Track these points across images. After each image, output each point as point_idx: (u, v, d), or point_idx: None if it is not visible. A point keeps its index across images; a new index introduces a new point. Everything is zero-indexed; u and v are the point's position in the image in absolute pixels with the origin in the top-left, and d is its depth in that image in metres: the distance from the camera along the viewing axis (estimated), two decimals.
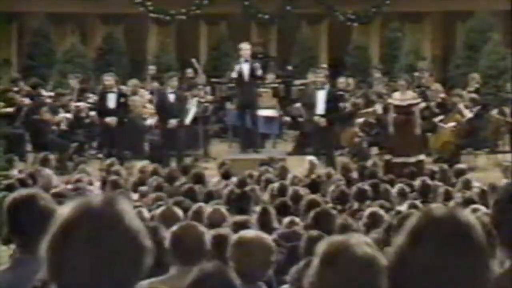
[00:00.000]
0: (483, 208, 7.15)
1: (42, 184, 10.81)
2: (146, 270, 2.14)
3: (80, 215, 2.10)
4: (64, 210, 2.14)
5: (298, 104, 18.89)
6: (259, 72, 16.66)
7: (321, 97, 16.21)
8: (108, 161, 14.05)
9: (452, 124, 17.21)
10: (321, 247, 2.41)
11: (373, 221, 7.58)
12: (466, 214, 2.21)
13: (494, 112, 17.81)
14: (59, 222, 2.13)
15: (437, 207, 2.19)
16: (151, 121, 17.18)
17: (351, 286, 2.37)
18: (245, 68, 16.34)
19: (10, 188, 9.40)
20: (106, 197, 2.14)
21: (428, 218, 2.16)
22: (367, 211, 8.16)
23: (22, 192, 4.27)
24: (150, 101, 18.23)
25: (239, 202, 8.46)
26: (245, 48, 16.57)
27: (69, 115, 17.69)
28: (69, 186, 10.95)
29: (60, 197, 9.47)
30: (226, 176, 12.34)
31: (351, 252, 2.37)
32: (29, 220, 4.01)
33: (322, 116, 16.04)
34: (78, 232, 2.08)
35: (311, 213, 7.42)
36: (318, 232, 6.04)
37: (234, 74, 16.67)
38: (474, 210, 6.99)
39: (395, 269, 2.13)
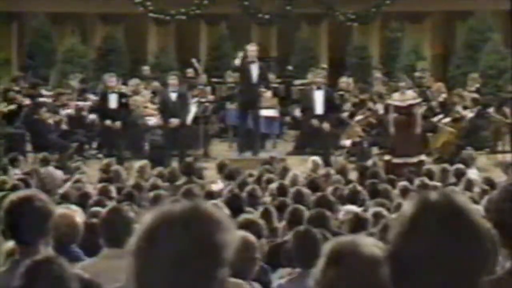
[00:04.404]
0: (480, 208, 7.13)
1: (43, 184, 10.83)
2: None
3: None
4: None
5: (297, 111, 18.93)
6: (269, 76, 16.69)
7: (319, 97, 16.21)
8: (106, 160, 14.04)
9: (451, 122, 17.23)
10: (327, 246, 2.41)
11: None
12: (462, 197, 2.19)
13: (494, 112, 17.81)
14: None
15: (432, 193, 2.16)
16: (154, 121, 17.18)
17: (358, 286, 2.36)
18: (253, 69, 16.22)
19: (13, 188, 9.39)
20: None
21: (423, 203, 2.13)
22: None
23: (20, 193, 4.28)
24: (151, 101, 18.23)
25: (233, 203, 8.43)
26: (252, 49, 16.38)
27: (70, 111, 17.68)
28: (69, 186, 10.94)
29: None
30: (228, 177, 12.32)
31: (358, 252, 2.36)
32: (27, 222, 4.03)
33: (320, 116, 16.05)
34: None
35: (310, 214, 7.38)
36: (307, 226, 6.03)
37: (237, 61, 16.29)
38: None
39: (394, 258, 2.11)
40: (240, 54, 16.26)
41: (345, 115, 17.94)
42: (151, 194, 9.81)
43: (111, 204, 7.10)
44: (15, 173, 12.79)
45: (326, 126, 16.02)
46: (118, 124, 16.51)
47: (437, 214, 2.09)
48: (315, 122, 15.96)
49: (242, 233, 4.94)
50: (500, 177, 12.69)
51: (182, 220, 2.09)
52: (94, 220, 6.15)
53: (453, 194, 2.14)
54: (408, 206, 2.14)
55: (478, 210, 2.18)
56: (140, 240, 2.09)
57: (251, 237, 4.94)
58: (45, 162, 13.53)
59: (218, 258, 2.08)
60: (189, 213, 2.10)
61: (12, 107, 17.39)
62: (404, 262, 2.07)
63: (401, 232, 2.10)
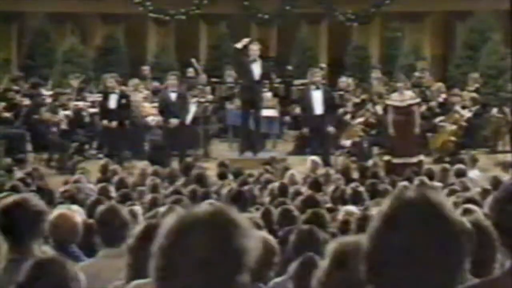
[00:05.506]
0: (478, 210, 7.06)
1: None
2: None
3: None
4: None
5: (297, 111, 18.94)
6: (272, 74, 16.68)
7: (317, 97, 16.22)
8: (102, 161, 14.03)
9: (450, 122, 17.23)
10: (331, 247, 2.41)
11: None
12: (438, 195, 2.19)
13: (494, 111, 17.81)
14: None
15: (409, 190, 2.17)
16: (153, 120, 17.16)
17: (361, 286, 2.36)
18: (255, 67, 16.18)
19: (12, 188, 9.39)
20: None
21: (399, 200, 2.13)
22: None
23: (14, 197, 4.49)
24: (149, 100, 18.23)
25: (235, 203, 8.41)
26: (254, 48, 16.30)
27: (69, 112, 17.67)
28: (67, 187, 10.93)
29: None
30: (223, 176, 12.34)
31: (362, 253, 2.35)
32: (20, 223, 4.20)
33: (320, 116, 16.06)
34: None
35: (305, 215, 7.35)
36: (310, 226, 6.01)
37: (239, 45, 16.15)
38: (468, 211, 6.86)
39: (372, 254, 2.11)
40: (245, 39, 16.17)
41: (345, 115, 17.94)
42: (150, 194, 9.81)
43: (108, 203, 7.10)
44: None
45: (331, 129, 16.11)
46: (117, 124, 16.51)
47: (412, 210, 2.10)
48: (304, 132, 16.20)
49: (264, 235, 4.89)
50: (500, 177, 12.66)
51: (205, 224, 2.10)
52: (92, 220, 6.15)
53: (429, 192, 2.15)
54: (385, 203, 2.15)
55: (452, 206, 2.18)
56: (163, 242, 2.11)
57: (272, 241, 4.89)
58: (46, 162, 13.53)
59: (240, 262, 2.10)
60: (212, 217, 2.11)
61: (8, 114, 17.28)
62: (380, 258, 2.08)
63: (377, 228, 2.11)
